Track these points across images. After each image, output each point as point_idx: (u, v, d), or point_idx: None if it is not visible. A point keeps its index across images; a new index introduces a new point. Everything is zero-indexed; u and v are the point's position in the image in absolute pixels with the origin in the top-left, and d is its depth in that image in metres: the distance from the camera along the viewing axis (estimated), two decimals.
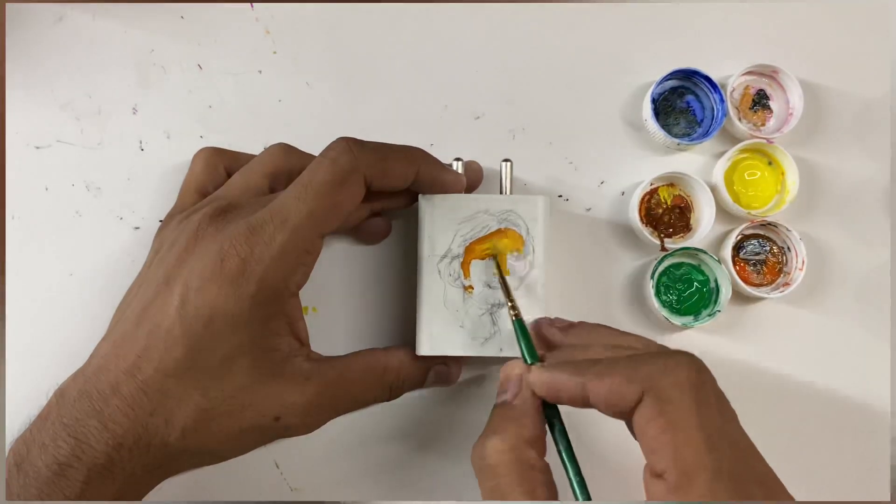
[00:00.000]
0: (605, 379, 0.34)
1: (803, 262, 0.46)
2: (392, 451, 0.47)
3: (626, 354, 0.36)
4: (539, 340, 0.41)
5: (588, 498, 0.35)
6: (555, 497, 0.34)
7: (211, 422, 0.37)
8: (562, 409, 0.37)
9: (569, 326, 0.41)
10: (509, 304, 0.41)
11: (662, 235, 0.47)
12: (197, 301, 0.36)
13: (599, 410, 0.35)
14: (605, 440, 0.46)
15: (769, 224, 0.47)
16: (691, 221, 0.48)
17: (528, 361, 0.38)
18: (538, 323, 0.42)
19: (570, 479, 0.35)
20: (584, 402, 0.35)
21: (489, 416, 0.37)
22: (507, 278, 0.43)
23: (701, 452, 0.31)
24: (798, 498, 0.33)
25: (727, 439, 0.32)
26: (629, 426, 0.34)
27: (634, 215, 0.47)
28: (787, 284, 0.46)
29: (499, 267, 0.43)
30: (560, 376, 0.35)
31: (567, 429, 0.37)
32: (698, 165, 0.49)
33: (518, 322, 0.40)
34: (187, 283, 0.37)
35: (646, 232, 0.46)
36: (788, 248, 0.47)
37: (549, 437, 0.37)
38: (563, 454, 0.36)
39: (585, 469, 0.36)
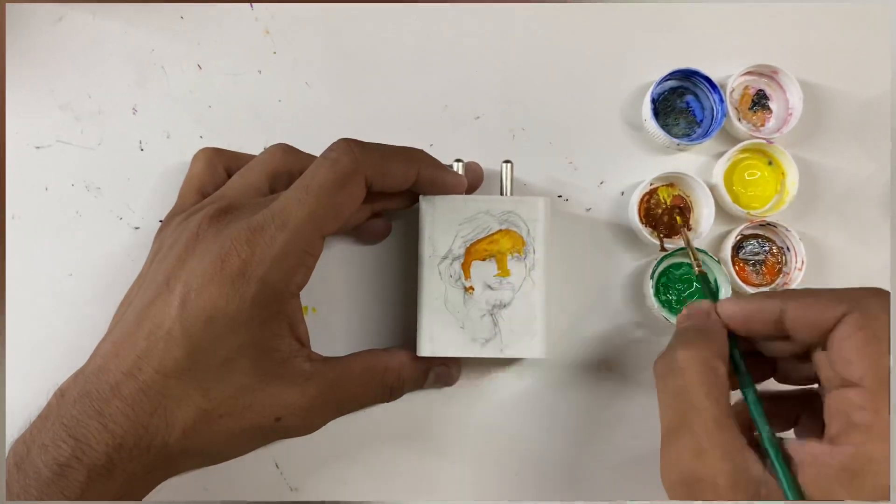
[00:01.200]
0: (808, 298, 0.34)
1: (803, 262, 0.46)
2: (392, 452, 0.47)
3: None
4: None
5: (768, 425, 0.35)
6: (730, 412, 0.34)
7: (211, 422, 0.37)
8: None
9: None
10: (694, 260, 0.43)
11: (662, 235, 0.47)
12: (197, 302, 0.36)
13: (789, 336, 0.35)
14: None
15: (769, 224, 0.47)
16: (691, 222, 0.48)
17: (714, 301, 0.39)
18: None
19: (750, 408, 0.36)
20: (779, 327, 0.35)
21: (673, 337, 0.37)
22: (507, 280, 0.43)
23: None
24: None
25: None
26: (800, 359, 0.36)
27: (634, 215, 0.47)
28: (786, 284, 0.46)
29: (685, 225, 0.46)
30: (753, 302, 0.36)
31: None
32: (698, 165, 0.49)
33: (702, 276, 0.42)
34: (188, 283, 0.37)
35: (645, 232, 0.46)
36: (788, 248, 0.47)
37: None
38: (741, 377, 0.37)
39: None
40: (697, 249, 0.46)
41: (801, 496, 0.32)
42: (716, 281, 0.47)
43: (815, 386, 0.37)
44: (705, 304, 0.38)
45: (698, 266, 0.42)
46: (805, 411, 0.38)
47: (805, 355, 0.36)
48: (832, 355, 0.34)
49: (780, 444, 0.34)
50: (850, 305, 0.33)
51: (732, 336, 0.37)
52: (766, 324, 0.36)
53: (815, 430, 0.35)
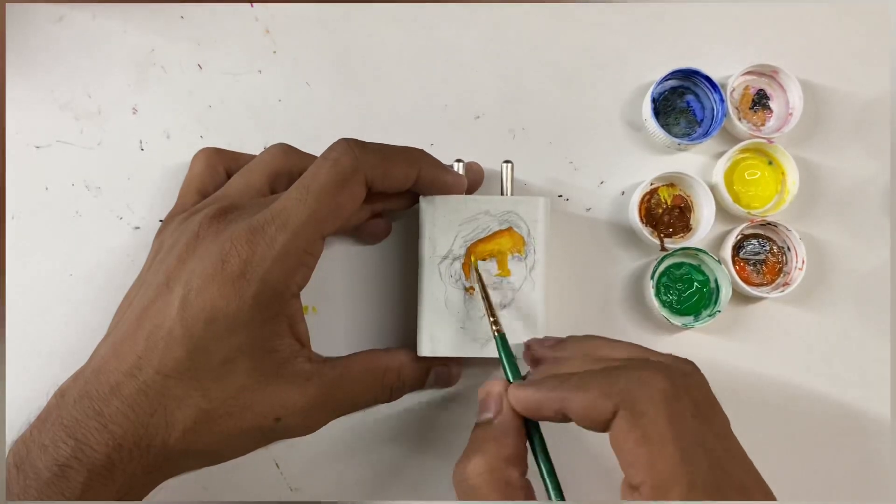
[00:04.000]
0: (580, 393, 0.34)
1: (803, 261, 0.46)
2: (392, 452, 0.47)
3: (602, 367, 0.36)
4: (528, 358, 0.41)
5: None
6: None
7: (211, 423, 0.37)
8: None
9: (557, 343, 0.41)
10: (491, 318, 0.41)
11: (662, 235, 0.47)
12: (198, 302, 0.36)
13: (578, 425, 0.35)
14: (586, 452, 0.46)
15: (769, 224, 0.47)
16: (691, 221, 0.48)
17: (510, 379, 0.39)
18: (528, 344, 0.42)
19: (549, 494, 0.36)
20: (564, 418, 0.35)
21: (471, 436, 0.37)
22: (508, 279, 0.43)
23: (675, 465, 0.31)
24: (797, 499, 0.33)
25: (704, 449, 0.32)
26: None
27: (634, 215, 0.47)
28: (786, 284, 0.46)
29: (481, 279, 0.42)
30: (537, 394, 0.35)
31: (547, 441, 0.37)
32: (698, 165, 0.49)
33: (500, 337, 0.40)
34: (188, 283, 0.37)
35: (646, 232, 0.46)
36: (788, 247, 0.47)
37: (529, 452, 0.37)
38: (543, 469, 0.37)
39: (566, 481, 0.36)
40: (697, 250, 0.46)
41: None
42: (716, 281, 0.47)
43: None
44: (497, 387, 0.37)
45: (495, 325, 0.40)
46: None
47: None
48: (616, 452, 0.33)
49: None
50: (619, 401, 0.33)
51: (533, 426, 0.37)
52: (552, 414, 0.35)
53: None
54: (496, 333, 0.40)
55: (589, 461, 0.46)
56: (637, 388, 0.33)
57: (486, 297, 0.41)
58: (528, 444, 0.37)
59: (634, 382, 0.33)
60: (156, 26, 0.49)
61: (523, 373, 0.40)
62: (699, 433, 0.33)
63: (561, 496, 0.36)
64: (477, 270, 0.43)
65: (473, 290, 0.43)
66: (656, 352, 0.37)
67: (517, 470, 0.35)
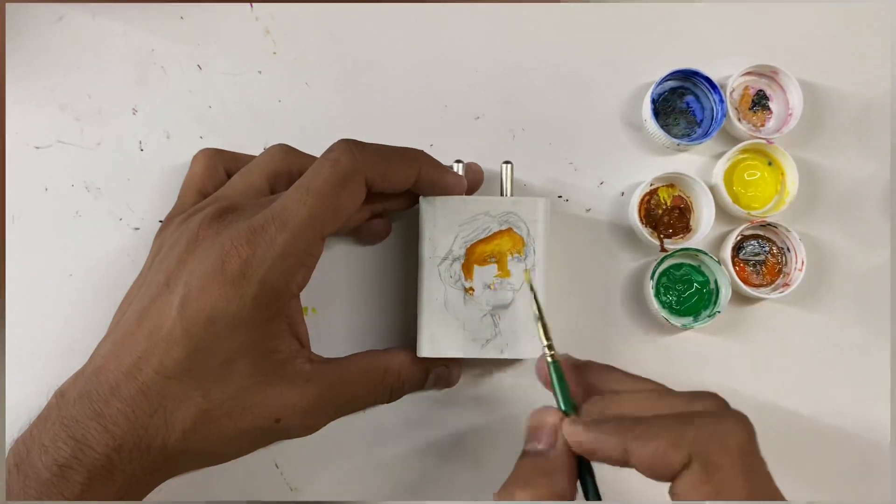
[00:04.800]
0: (649, 443, 0.32)
1: (803, 262, 0.46)
2: (392, 452, 0.47)
3: (670, 411, 0.34)
4: (542, 375, 0.38)
5: None
6: None
7: (211, 423, 0.37)
8: None
9: (579, 365, 0.39)
10: (545, 343, 0.37)
11: (662, 236, 0.47)
12: (197, 302, 0.36)
13: (639, 472, 0.33)
14: (638, 493, 0.45)
15: (769, 225, 0.47)
16: (691, 222, 0.48)
17: (564, 409, 0.36)
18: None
19: None
20: (624, 463, 0.33)
21: (517, 464, 0.35)
22: (508, 280, 0.43)
23: None
24: (797, 499, 0.33)
25: None
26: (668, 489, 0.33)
27: (634, 216, 0.47)
28: (786, 285, 0.46)
29: (536, 300, 0.38)
30: (599, 436, 0.33)
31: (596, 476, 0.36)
32: (698, 166, 0.49)
33: (555, 364, 0.37)
34: (188, 284, 0.37)
35: (645, 232, 0.46)
36: (788, 248, 0.47)
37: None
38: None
39: None
40: (697, 250, 0.46)
41: None
42: (716, 282, 0.47)
43: None
44: (551, 417, 0.35)
45: (550, 349, 0.37)
46: None
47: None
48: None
49: None
50: (692, 452, 0.31)
51: (585, 465, 0.35)
52: (611, 457, 0.33)
53: None
54: (550, 360, 0.37)
55: (638, 496, 0.45)
56: (712, 440, 0.31)
57: (542, 320, 0.38)
58: (578, 482, 0.35)
59: (708, 434, 0.32)
60: (156, 26, 0.48)
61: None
62: (768, 489, 0.32)
63: None
64: (533, 290, 0.39)
65: (473, 290, 0.43)
66: (671, 391, 0.36)
67: None
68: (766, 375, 0.47)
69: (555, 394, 0.37)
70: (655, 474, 0.32)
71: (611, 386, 0.37)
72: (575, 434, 0.34)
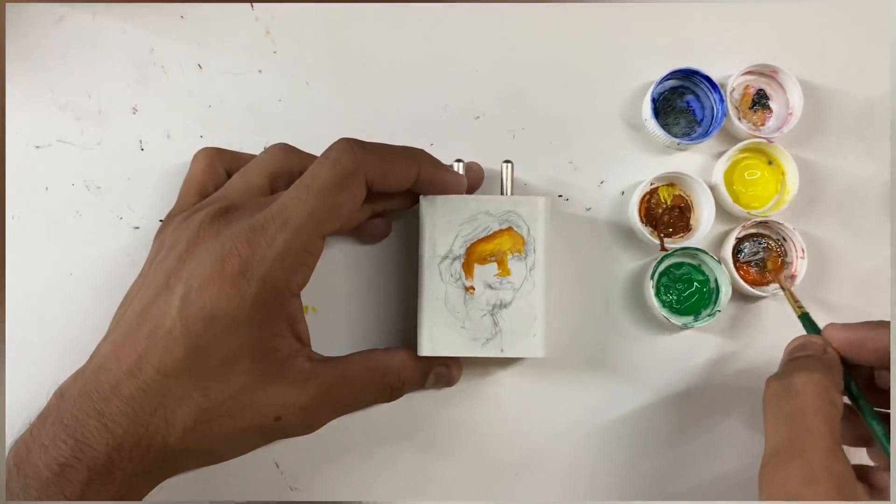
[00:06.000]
0: None
1: (803, 250, 0.46)
2: (392, 452, 0.47)
3: None
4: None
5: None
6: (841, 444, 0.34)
7: (211, 422, 0.37)
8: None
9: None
10: (796, 304, 0.43)
11: (662, 235, 0.47)
12: (198, 301, 0.36)
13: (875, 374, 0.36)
14: None
15: (761, 223, 0.47)
16: (691, 221, 0.48)
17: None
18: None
19: (876, 437, 0.36)
20: (882, 361, 0.35)
21: (785, 363, 0.38)
22: (508, 279, 0.43)
23: None
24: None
25: None
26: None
27: (634, 215, 0.47)
28: (793, 277, 0.46)
29: (790, 292, 0.44)
30: (861, 330, 0.37)
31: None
32: (698, 165, 0.49)
33: (804, 316, 0.42)
34: (188, 283, 0.37)
35: (645, 232, 0.46)
36: (784, 238, 0.47)
37: None
38: (865, 410, 0.37)
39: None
40: (697, 249, 0.46)
41: None
42: (716, 281, 0.47)
43: None
44: (817, 338, 0.39)
45: (800, 307, 0.43)
46: None
47: None
48: None
49: None
50: None
51: (847, 370, 0.37)
52: (875, 352, 0.36)
53: None
54: (800, 313, 0.42)
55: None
56: None
57: (790, 294, 0.44)
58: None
59: None
60: (156, 26, 0.49)
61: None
62: None
63: (887, 438, 0.35)
64: (785, 288, 0.45)
65: (473, 289, 0.43)
66: None
67: (840, 397, 0.35)
68: (766, 375, 0.47)
69: (811, 329, 0.41)
70: None
71: None
72: (837, 332, 0.37)
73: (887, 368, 0.36)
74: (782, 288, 0.45)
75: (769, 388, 0.36)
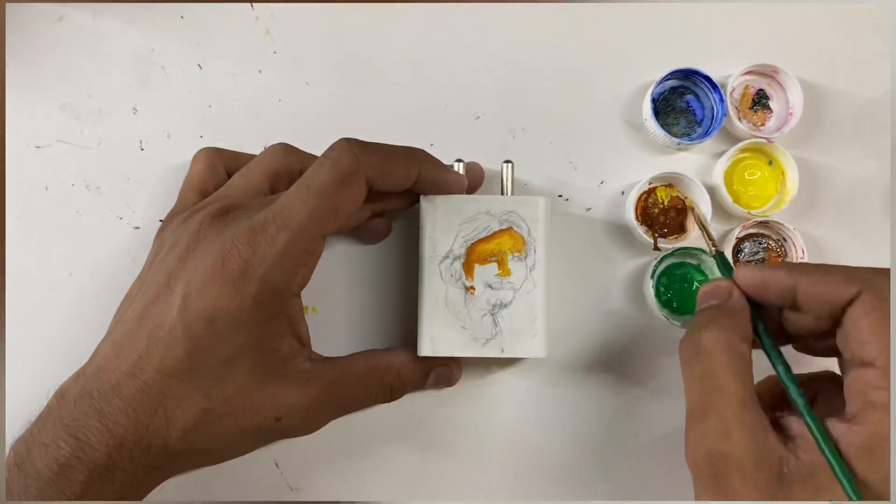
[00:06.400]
0: (821, 278, 0.35)
1: (803, 250, 0.46)
2: (392, 452, 0.47)
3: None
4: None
5: (799, 393, 0.36)
6: (754, 393, 0.35)
7: (212, 422, 0.37)
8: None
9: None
10: (710, 240, 0.43)
11: (657, 235, 0.47)
12: (198, 301, 0.36)
13: (801, 310, 0.36)
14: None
15: (761, 223, 0.47)
16: (687, 223, 0.48)
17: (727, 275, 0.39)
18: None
19: (781, 379, 0.37)
20: (792, 299, 0.36)
21: (695, 318, 0.38)
22: (508, 279, 0.43)
23: None
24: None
25: None
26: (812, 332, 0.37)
27: (630, 214, 0.47)
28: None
29: (697, 217, 0.45)
30: (771, 272, 0.37)
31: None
32: (698, 165, 0.49)
33: (719, 255, 0.41)
34: (189, 283, 0.37)
35: (640, 230, 0.46)
36: (784, 238, 0.47)
37: None
38: (769, 351, 0.37)
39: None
40: (697, 249, 0.46)
41: (840, 459, 0.33)
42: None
43: (828, 371, 0.39)
44: (725, 281, 0.39)
45: (714, 246, 0.42)
46: (822, 390, 0.39)
47: (823, 334, 0.37)
48: (847, 336, 0.35)
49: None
50: (862, 285, 0.34)
51: (756, 312, 0.38)
52: (780, 293, 0.36)
53: (833, 409, 0.36)
54: (713, 250, 0.42)
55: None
56: (880, 277, 0.35)
57: (701, 222, 0.44)
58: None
59: (879, 274, 0.35)
60: (156, 26, 0.49)
61: None
62: None
63: (791, 377, 0.36)
64: (695, 212, 0.45)
65: (474, 289, 0.43)
66: None
67: (747, 347, 0.36)
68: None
69: (722, 268, 0.41)
70: (823, 305, 0.35)
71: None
72: (746, 272, 0.38)
73: (793, 309, 0.37)
74: (698, 226, 0.44)
75: (682, 349, 0.37)
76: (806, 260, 0.46)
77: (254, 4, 0.49)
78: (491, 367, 0.47)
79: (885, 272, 0.35)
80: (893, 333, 0.33)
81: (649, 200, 0.48)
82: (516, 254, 0.43)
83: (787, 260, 0.48)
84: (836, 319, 0.36)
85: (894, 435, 0.32)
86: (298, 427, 0.40)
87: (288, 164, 0.43)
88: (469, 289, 0.43)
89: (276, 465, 0.46)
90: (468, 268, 0.43)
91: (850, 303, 0.35)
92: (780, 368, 0.37)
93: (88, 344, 0.40)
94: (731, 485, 0.33)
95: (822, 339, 0.38)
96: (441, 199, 0.43)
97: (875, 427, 0.33)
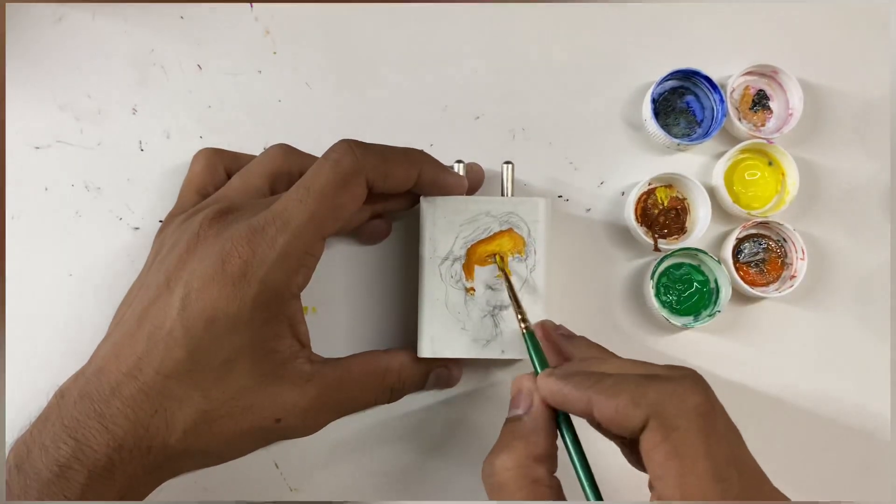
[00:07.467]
0: (611, 399, 0.33)
1: (803, 251, 0.46)
2: (392, 453, 0.47)
3: (638, 372, 0.35)
4: (549, 346, 0.41)
5: (599, 499, 0.35)
6: None
7: (212, 423, 0.37)
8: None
9: (571, 336, 0.41)
10: (519, 315, 0.41)
11: (657, 236, 0.47)
12: (198, 302, 0.36)
13: (605, 428, 0.35)
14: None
15: (762, 223, 0.47)
16: (687, 223, 0.48)
17: (539, 372, 0.38)
18: (544, 325, 0.42)
19: (581, 483, 0.35)
20: (590, 418, 0.35)
21: (501, 431, 0.37)
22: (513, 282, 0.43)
23: (707, 482, 0.31)
24: (796, 498, 0.33)
25: (735, 467, 0.32)
26: (633, 449, 0.35)
27: (630, 215, 0.47)
28: (793, 277, 0.46)
29: (507, 276, 0.42)
30: (565, 388, 0.35)
31: (580, 437, 0.37)
32: (698, 166, 0.49)
33: (529, 334, 0.40)
34: (188, 284, 0.37)
35: (640, 231, 0.46)
36: (785, 239, 0.47)
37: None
38: (574, 460, 0.36)
39: (599, 474, 0.36)
40: (697, 250, 0.46)
41: None
42: (716, 281, 0.47)
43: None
44: (528, 382, 0.37)
45: (524, 322, 0.40)
46: None
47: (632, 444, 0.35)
48: (645, 462, 0.33)
49: None
50: (650, 412, 0.32)
51: (564, 417, 0.37)
52: (580, 412, 0.35)
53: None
54: (524, 330, 0.40)
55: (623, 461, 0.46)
56: (670, 400, 0.32)
57: (513, 293, 0.41)
58: (561, 441, 0.37)
59: (667, 394, 0.32)
60: (156, 26, 0.48)
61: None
62: (729, 450, 0.32)
63: (596, 493, 0.35)
64: (504, 269, 0.43)
65: (474, 290, 0.43)
66: (655, 364, 0.37)
67: (545, 468, 0.35)
68: (766, 375, 0.47)
69: (531, 359, 0.39)
70: (619, 430, 0.33)
71: (591, 355, 0.39)
72: (545, 384, 0.36)
73: (596, 427, 0.35)
74: (509, 295, 0.42)
75: (483, 473, 0.36)
76: (805, 260, 0.46)
77: (253, 5, 0.49)
78: (491, 369, 0.47)
79: (680, 392, 0.32)
80: None
81: (649, 201, 0.48)
82: (516, 255, 0.43)
83: (786, 261, 0.48)
84: (635, 440, 0.33)
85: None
86: (298, 428, 0.40)
87: (288, 165, 0.43)
88: (469, 290, 0.43)
89: (276, 465, 0.47)
90: (468, 269, 0.43)
91: (641, 429, 0.32)
92: (577, 463, 0.36)
93: (88, 344, 0.40)
94: None
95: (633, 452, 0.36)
96: (441, 200, 0.43)
97: None
